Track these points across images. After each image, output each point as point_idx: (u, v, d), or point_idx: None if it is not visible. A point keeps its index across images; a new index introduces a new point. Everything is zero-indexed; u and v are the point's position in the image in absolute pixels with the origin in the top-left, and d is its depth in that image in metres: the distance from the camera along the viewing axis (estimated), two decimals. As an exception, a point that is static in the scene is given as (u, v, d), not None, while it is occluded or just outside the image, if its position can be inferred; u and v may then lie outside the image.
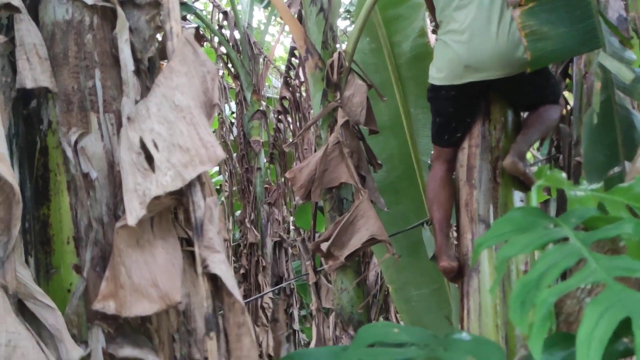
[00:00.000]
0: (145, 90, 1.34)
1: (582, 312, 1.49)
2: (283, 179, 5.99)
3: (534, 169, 4.74)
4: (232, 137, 7.59)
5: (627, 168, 2.60)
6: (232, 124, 7.79)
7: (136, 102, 1.29)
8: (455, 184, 3.02)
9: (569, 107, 4.00)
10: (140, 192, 1.14)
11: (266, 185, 7.10)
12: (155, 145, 1.16)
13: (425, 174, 4.12)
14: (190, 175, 1.14)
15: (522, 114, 3.04)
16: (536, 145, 6.23)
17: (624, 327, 1.09)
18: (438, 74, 2.85)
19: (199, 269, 1.13)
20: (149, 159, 1.18)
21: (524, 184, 2.89)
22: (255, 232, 6.77)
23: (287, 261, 7.28)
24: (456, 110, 2.87)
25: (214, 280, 1.15)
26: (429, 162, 4.13)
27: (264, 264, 6.78)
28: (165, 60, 1.29)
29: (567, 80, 3.90)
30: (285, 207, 7.51)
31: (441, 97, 2.88)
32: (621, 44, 2.96)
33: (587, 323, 1.09)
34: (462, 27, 2.72)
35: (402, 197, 4.20)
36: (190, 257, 1.33)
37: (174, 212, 1.31)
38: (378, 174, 3.95)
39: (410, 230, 4.08)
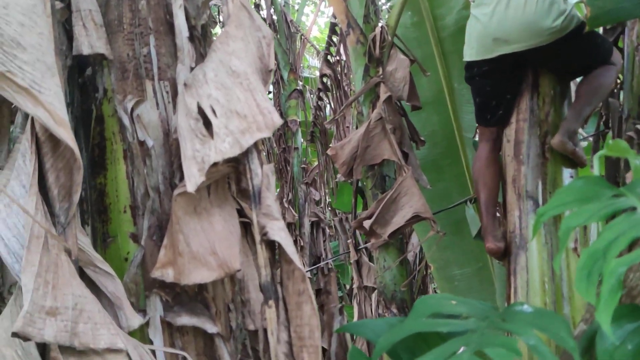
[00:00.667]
0: (199, 58, 1.32)
1: (648, 286, 1.44)
2: (325, 158, 5.95)
3: (584, 144, 4.62)
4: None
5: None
6: (269, 103, 7.77)
7: (191, 69, 1.27)
8: (501, 161, 2.96)
9: (618, 81, 3.87)
10: (198, 158, 1.12)
11: (303, 166, 7.09)
12: (214, 111, 1.14)
13: (469, 150, 4.06)
14: (248, 142, 1.12)
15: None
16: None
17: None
18: (469, 50, 2.79)
19: (257, 237, 1.12)
20: (207, 125, 1.16)
21: (574, 162, 2.81)
22: (293, 212, 6.78)
23: (324, 241, 7.28)
24: (493, 87, 2.80)
25: (272, 249, 1.13)
26: (473, 139, 4.06)
27: (302, 244, 6.79)
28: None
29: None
30: (323, 188, 7.50)
31: (476, 74, 2.83)
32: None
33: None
34: None
35: (445, 175, 4.14)
36: (243, 228, 1.32)
37: (228, 182, 1.30)
38: (420, 151, 3.90)
39: (453, 208, 4.02)
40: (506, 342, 1.05)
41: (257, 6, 7.09)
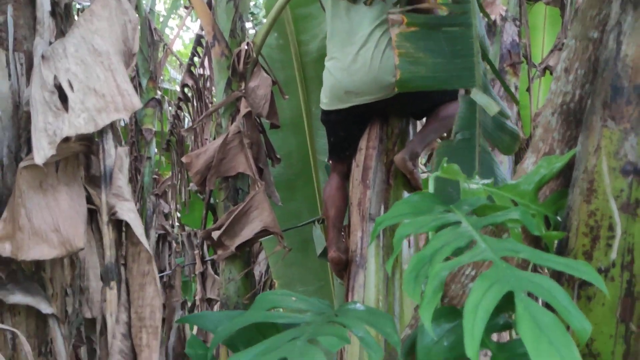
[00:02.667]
0: (60, 35, 1.28)
1: (465, 296, 1.61)
2: (179, 169, 5.86)
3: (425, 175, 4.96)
4: (122, 124, 7.35)
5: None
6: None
7: (50, 44, 1.23)
8: (349, 186, 3.12)
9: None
10: (50, 131, 1.09)
11: (155, 176, 6.92)
12: (71, 86, 1.11)
13: (322, 173, 4.21)
14: (104, 121, 1.11)
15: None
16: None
17: (506, 303, 1.19)
18: (325, 99, 2.98)
19: (105, 217, 1.10)
20: (63, 100, 1.13)
21: (414, 188, 3.03)
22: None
23: (170, 255, 7.12)
24: (347, 131, 3.00)
25: (119, 231, 1.12)
26: (326, 162, 4.23)
27: (147, 256, 6.59)
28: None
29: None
30: (174, 201, 7.35)
31: (332, 120, 3.01)
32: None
33: (475, 295, 1.18)
34: (342, 54, 2.84)
35: (297, 194, 4.26)
36: (89, 215, 1.29)
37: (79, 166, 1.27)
38: (275, 169, 3.98)
39: (301, 227, 4.15)
40: (337, 332, 1.12)
41: (122, 9, 6.88)
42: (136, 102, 1.13)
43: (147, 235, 6.76)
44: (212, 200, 4.12)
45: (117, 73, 1.15)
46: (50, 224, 1.10)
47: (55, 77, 1.12)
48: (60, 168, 1.16)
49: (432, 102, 2.94)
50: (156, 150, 6.88)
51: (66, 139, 1.11)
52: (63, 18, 1.29)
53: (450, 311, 1.37)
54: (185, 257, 7.15)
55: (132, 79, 6.92)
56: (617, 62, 1.49)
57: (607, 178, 1.48)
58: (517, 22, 3.86)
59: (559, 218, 1.66)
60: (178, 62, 8.97)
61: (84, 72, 1.13)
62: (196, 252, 3.72)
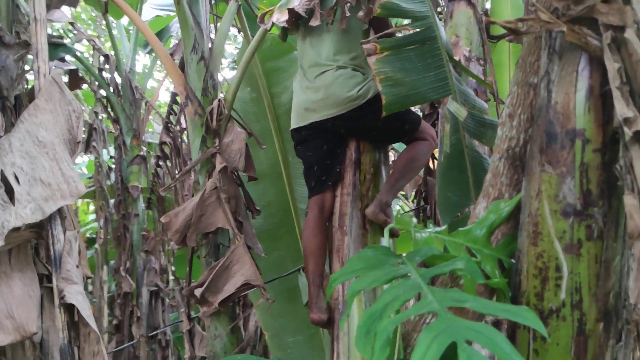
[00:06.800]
0: (10, 127, 1.35)
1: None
2: (161, 227, 5.90)
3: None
4: (109, 183, 7.40)
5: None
6: (110, 168, 7.60)
7: (0, 137, 1.30)
8: (329, 231, 3.15)
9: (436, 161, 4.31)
10: (-3, 223, 1.14)
11: (144, 233, 6.94)
12: (17, 179, 1.17)
13: (302, 221, 4.25)
14: (51, 209, 1.16)
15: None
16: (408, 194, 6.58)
17: (452, 353, 1.23)
18: (291, 120, 3.10)
19: (56, 300, 1.15)
20: (10, 192, 1.19)
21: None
22: (131, 281, 6.56)
23: (163, 312, 7.08)
24: (313, 151, 3.05)
25: (71, 312, 1.16)
26: (306, 210, 4.27)
27: (139, 314, 6.55)
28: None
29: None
30: (164, 255, 7.36)
31: (297, 143, 3.11)
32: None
33: (420, 347, 1.23)
34: (307, 75, 3.01)
35: (280, 244, 4.28)
36: (50, 293, 1.33)
37: (34, 247, 1.32)
38: (257, 220, 4.02)
39: (287, 276, 4.16)
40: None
41: (102, 70, 7.01)
42: (81, 188, 1.19)
43: (139, 293, 6.75)
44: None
45: (62, 162, 1.21)
46: (4, 310, 1.14)
47: (1, 172, 1.18)
48: (13, 255, 1.21)
49: (391, 123, 2.92)
50: (144, 206, 6.93)
51: (16, 229, 1.16)
52: (13, 111, 1.35)
53: (405, 364, 1.40)
54: (179, 312, 7.11)
55: (115, 138, 7.02)
56: (549, 109, 1.56)
57: (549, 220, 1.54)
58: (481, 62, 3.96)
59: (513, 261, 1.71)
60: (160, 117, 9.08)
61: (29, 164, 1.19)
62: (182, 310, 3.72)
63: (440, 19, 4.41)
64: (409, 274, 1.46)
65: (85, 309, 1.14)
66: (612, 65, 1.40)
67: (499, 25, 1.67)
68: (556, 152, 1.53)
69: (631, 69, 1.41)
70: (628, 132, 1.36)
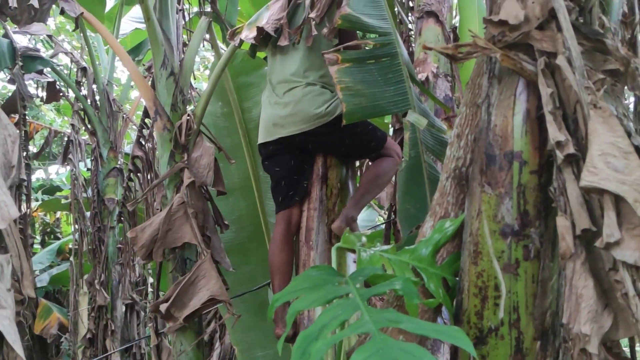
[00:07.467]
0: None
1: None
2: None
3: (370, 231, 5.03)
4: (86, 195, 7.36)
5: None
6: (86, 181, 7.56)
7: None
8: (295, 246, 3.17)
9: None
10: None
11: (119, 246, 6.90)
12: (-52, 202, 1.18)
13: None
14: (-17, 232, 1.17)
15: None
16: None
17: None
18: (259, 134, 3.12)
19: (-14, 324, 1.15)
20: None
21: (355, 246, 3.09)
22: (105, 294, 6.51)
23: (138, 325, 7.03)
24: (281, 167, 3.07)
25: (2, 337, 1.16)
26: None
27: (113, 328, 6.50)
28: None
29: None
30: (141, 268, 7.32)
31: (264, 158, 3.12)
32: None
33: (351, 367, 1.24)
34: (276, 90, 3.03)
35: (251, 258, 4.28)
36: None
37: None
38: (228, 234, 4.02)
39: (257, 291, 4.16)
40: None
41: (79, 83, 7.00)
42: (13, 212, 1.19)
43: (114, 306, 6.70)
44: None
45: (-4, 185, 1.22)
46: None
47: None
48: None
49: (358, 139, 3.02)
50: (117, 219, 6.90)
51: (-55, 252, 1.16)
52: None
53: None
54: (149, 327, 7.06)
55: (92, 151, 6.99)
56: (488, 131, 1.60)
57: (489, 240, 1.57)
58: (449, 78, 4.01)
59: (457, 279, 1.73)
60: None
61: (-38, 186, 1.19)
62: (150, 325, 3.71)
63: (410, 36, 4.47)
64: (349, 294, 1.48)
65: (10, 334, 1.13)
66: (546, 90, 1.44)
67: (437, 51, 1.70)
68: (495, 173, 1.56)
69: (564, 93, 1.45)
70: (560, 155, 1.39)
